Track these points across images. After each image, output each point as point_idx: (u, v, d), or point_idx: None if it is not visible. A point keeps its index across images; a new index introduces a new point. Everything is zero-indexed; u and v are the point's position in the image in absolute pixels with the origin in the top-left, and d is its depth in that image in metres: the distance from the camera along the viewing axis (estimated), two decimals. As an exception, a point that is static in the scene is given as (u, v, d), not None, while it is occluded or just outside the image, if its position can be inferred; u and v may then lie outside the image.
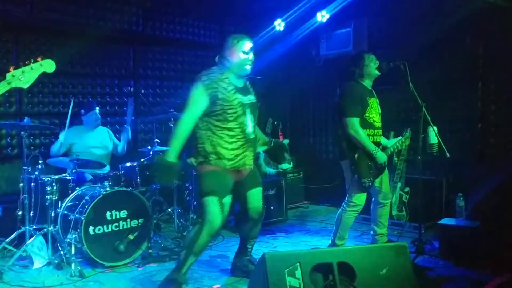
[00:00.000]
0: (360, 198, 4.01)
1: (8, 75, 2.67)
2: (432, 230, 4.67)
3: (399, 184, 5.02)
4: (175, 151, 3.22)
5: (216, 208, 3.27)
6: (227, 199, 3.34)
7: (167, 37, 6.30)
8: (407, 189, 5.08)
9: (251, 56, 3.40)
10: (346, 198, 4.07)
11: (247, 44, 3.38)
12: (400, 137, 4.23)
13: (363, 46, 5.85)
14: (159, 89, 6.33)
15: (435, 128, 3.99)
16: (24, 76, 2.69)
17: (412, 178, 4.92)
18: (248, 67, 3.40)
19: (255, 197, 3.54)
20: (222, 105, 3.25)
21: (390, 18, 5.73)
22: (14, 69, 2.70)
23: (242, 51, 3.35)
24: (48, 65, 2.78)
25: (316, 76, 6.65)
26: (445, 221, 4.30)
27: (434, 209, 4.98)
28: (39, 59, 2.75)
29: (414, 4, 5.35)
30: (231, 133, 3.29)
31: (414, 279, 2.94)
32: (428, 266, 3.82)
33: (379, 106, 4.11)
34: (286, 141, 6.22)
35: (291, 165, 6.19)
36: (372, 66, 3.96)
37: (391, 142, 4.20)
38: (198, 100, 3.25)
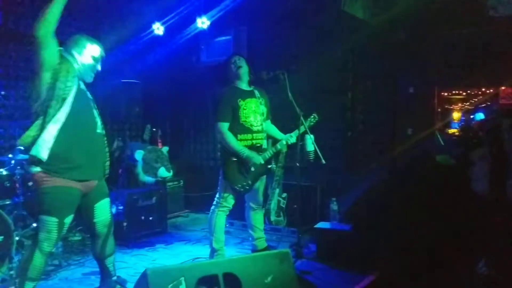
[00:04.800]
0: (229, 201, 4.05)
1: None
2: (308, 234, 4.86)
3: (277, 190, 5.15)
4: None
5: (53, 228, 2.92)
6: (69, 219, 2.99)
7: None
8: (284, 195, 5.24)
9: (99, 66, 3.19)
10: (216, 199, 4.09)
11: (100, 52, 3.18)
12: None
13: (243, 55, 5.91)
14: (24, 91, 5.71)
15: (312, 136, 4.16)
16: None
17: (289, 184, 5.09)
18: (92, 76, 3.18)
19: (103, 209, 3.21)
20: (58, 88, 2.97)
21: (268, 27, 5.89)
22: None
23: (93, 57, 3.14)
24: None
25: (197, 83, 6.58)
26: (320, 225, 4.51)
27: (310, 213, 5.20)
28: None
29: (291, 15, 5.58)
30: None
31: (297, 285, 3.01)
32: (307, 270, 3.94)
33: (262, 106, 4.11)
34: (166, 149, 6.08)
35: (171, 173, 6.08)
36: (239, 68, 4.02)
37: (283, 136, 4.21)
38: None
